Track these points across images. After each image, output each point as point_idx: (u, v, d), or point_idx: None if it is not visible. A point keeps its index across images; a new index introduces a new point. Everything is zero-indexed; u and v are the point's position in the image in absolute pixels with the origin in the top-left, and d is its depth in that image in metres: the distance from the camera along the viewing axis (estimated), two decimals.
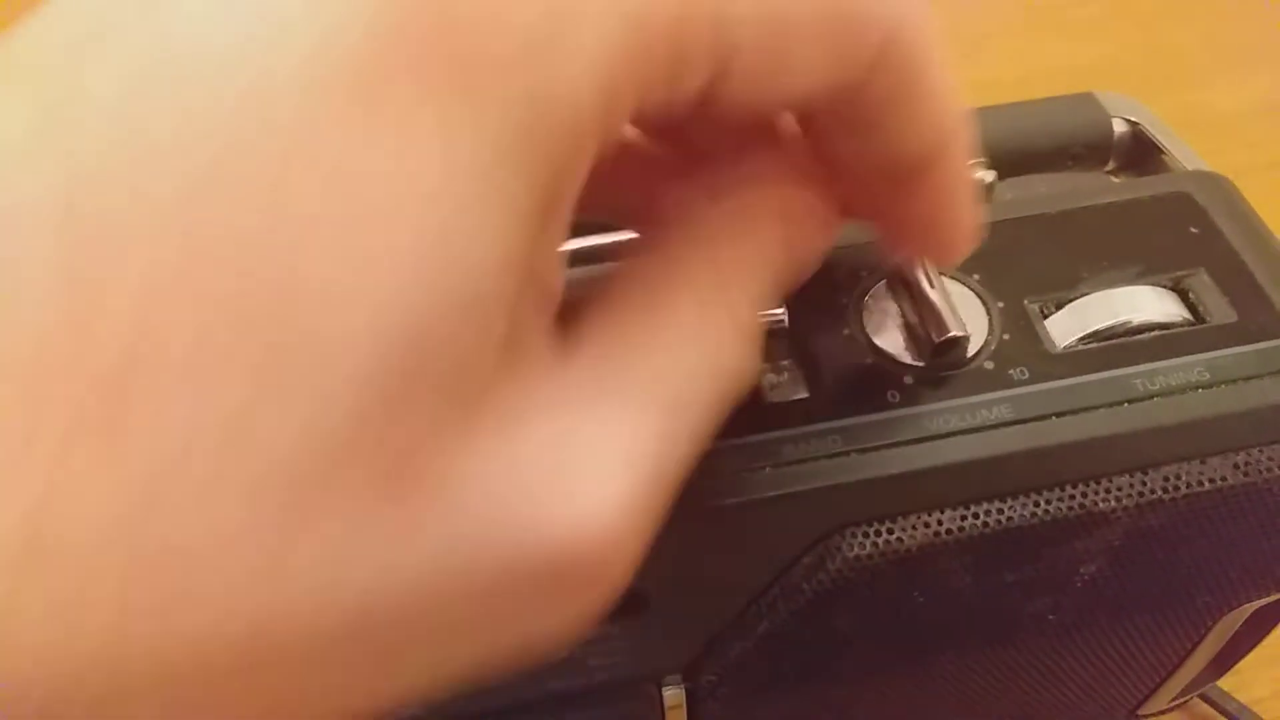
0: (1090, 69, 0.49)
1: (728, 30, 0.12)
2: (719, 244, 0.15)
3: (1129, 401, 0.19)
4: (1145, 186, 0.22)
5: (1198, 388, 0.19)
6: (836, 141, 0.15)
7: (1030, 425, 0.18)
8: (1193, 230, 0.21)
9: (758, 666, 0.20)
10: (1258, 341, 0.19)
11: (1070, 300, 0.20)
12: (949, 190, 0.16)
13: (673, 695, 0.20)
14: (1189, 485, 0.18)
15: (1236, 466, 0.19)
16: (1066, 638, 0.22)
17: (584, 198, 0.13)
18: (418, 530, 0.10)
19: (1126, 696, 0.26)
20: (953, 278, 0.20)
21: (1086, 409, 0.18)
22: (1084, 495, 0.18)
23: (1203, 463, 0.19)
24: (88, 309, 0.09)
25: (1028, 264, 0.21)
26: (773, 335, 0.19)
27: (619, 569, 0.12)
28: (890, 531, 0.18)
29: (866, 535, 0.18)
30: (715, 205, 0.15)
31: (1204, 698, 0.30)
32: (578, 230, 0.17)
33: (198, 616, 0.09)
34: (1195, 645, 0.24)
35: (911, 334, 0.20)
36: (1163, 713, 0.29)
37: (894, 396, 0.19)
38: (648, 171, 0.17)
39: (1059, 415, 0.18)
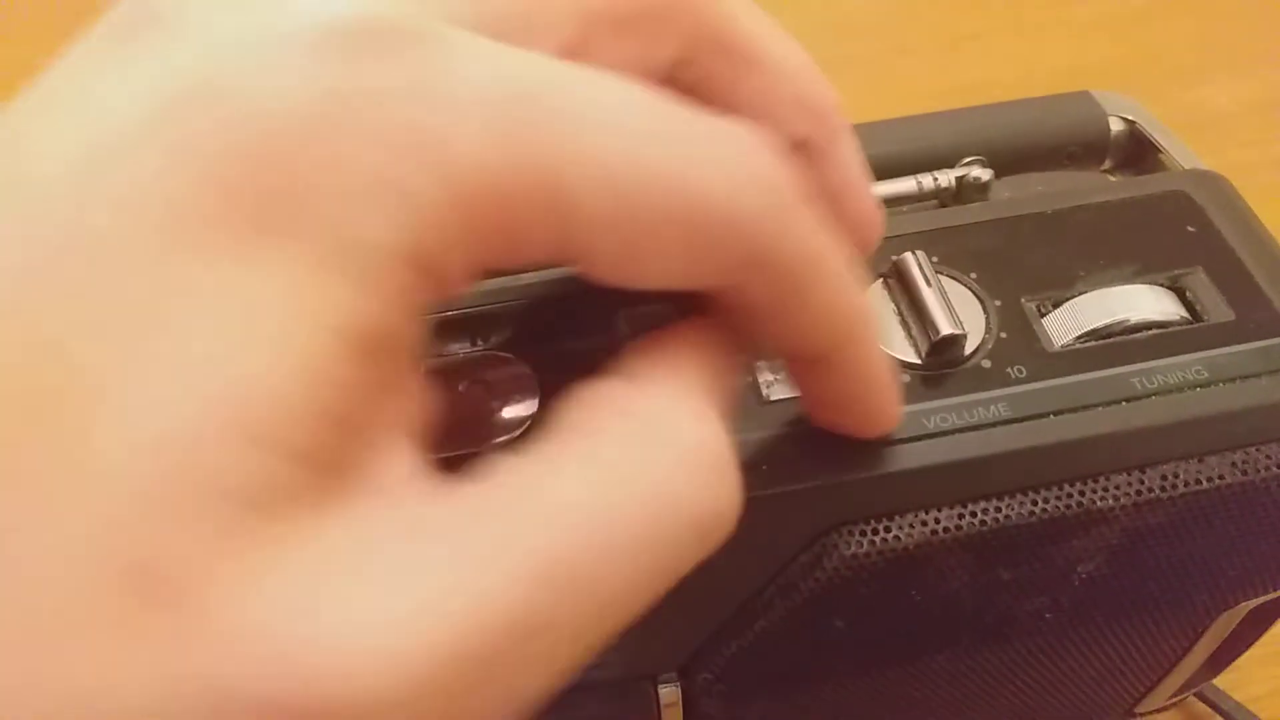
0: (1086, 68, 0.49)
1: (570, 217, 0.12)
2: (670, 365, 0.14)
3: (1126, 400, 0.19)
4: (1142, 185, 0.22)
5: (1195, 386, 0.19)
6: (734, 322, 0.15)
7: (1027, 424, 0.18)
8: (1190, 229, 0.21)
9: (754, 665, 0.20)
10: (1255, 340, 0.19)
11: (1067, 299, 0.20)
12: (856, 378, 0.16)
13: (669, 693, 0.20)
14: (1187, 484, 0.18)
15: (1234, 465, 0.19)
16: (1064, 636, 0.22)
17: None
18: (176, 652, 0.09)
19: (1124, 694, 0.26)
20: (950, 276, 0.20)
21: (1084, 407, 0.18)
22: (1081, 494, 0.18)
23: (1200, 461, 0.19)
24: None
25: (1025, 263, 0.21)
26: None
27: None
28: (887, 530, 0.18)
29: (863, 533, 0.18)
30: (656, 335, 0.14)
31: (1201, 696, 0.30)
32: None
33: None
34: (1192, 643, 0.24)
35: (909, 332, 0.19)
36: (1159, 710, 0.29)
37: None
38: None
39: (1056, 414, 0.18)
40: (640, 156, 0.12)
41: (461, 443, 0.17)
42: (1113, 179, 0.26)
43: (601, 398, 0.13)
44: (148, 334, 0.10)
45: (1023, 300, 0.20)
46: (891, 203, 0.24)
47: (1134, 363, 0.19)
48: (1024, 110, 0.26)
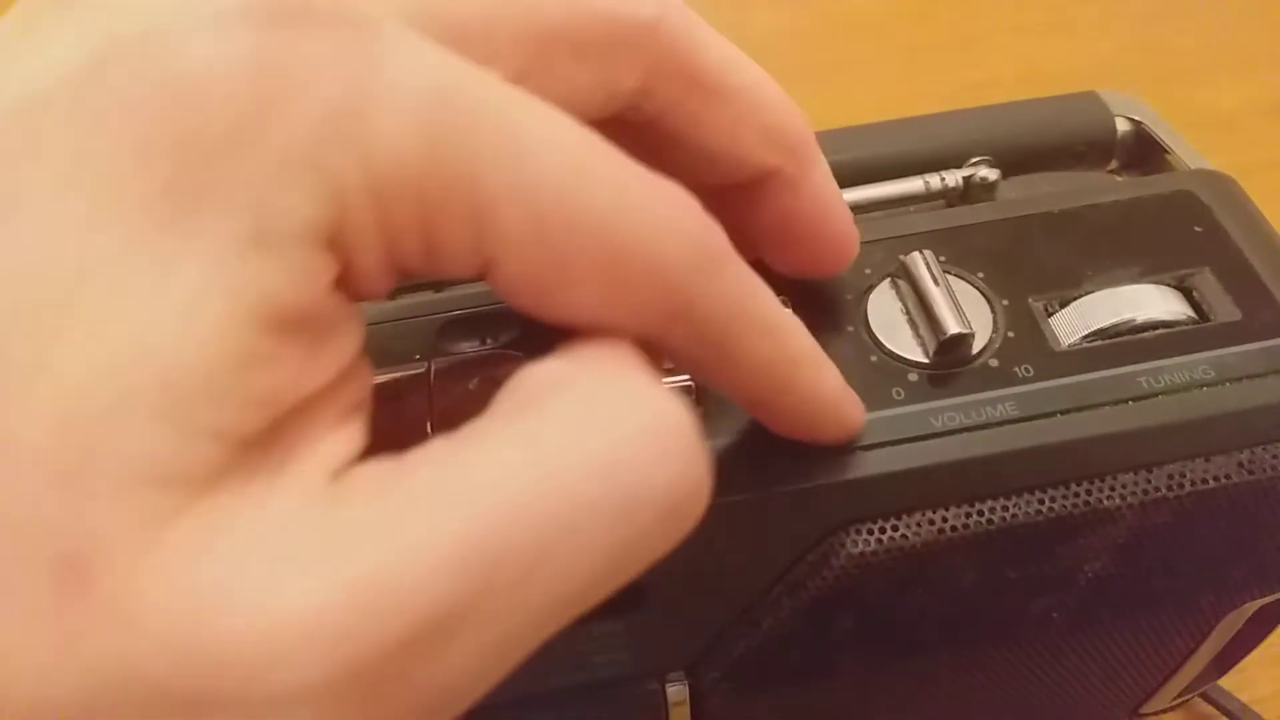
0: (1093, 68, 0.49)
1: (486, 227, 0.12)
2: (617, 343, 0.13)
3: (1133, 399, 0.19)
4: (1149, 185, 0.22)
5: (1202, 386, 0.19)
6: None
7: (1035, 423, 0.18)
8: (1196, 229, 0.21)
9: (761, 663, 0.20)
10: (1262, 340, 0.19)
11: (1074, 298, 0.20)
12: (800, 416, 0.16)
13: (676, 692, 0.20)
14: (1193, 483, 0.19)
15: (1241, 464, 0.19)
16: (1070, 635, 0.22)
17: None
18: (84, 634, 0.09)
19: (1129, 695, 0.26)
20: (957, 276, 0.20)
21: (1091, 407, 0.18)
22: (1088, 493, 0.18)
23: (1207, 460, 0.19)
24: None
25: (1032, 262, 0.21)
26: None
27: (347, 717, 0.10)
28: (894, 529, 0.18)
29: (871, 532, 0.18)
30: None
31: (1206, 697, 0.30)
32: None
33: None
34: (1198, 643, 0.24)
35: (916, 331, 0.20)
36: (1164, 711, 0.29)
37: (898, 394, 0.19)
38: None
39: (1063, 413, 0.18)
40: (567, 185, 0.12)
41: None
42: (1119, 179, 0.26)
43: (541, 375, 0.12)
44: (58, 307, 0.10)
45: (1030, 300, 0.20)
46: (899, 202, 0.24)
47: (1141, 362, 0.19)
48: (1030, 110, 0.26)
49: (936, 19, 0.53)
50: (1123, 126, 0.26)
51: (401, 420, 0.17)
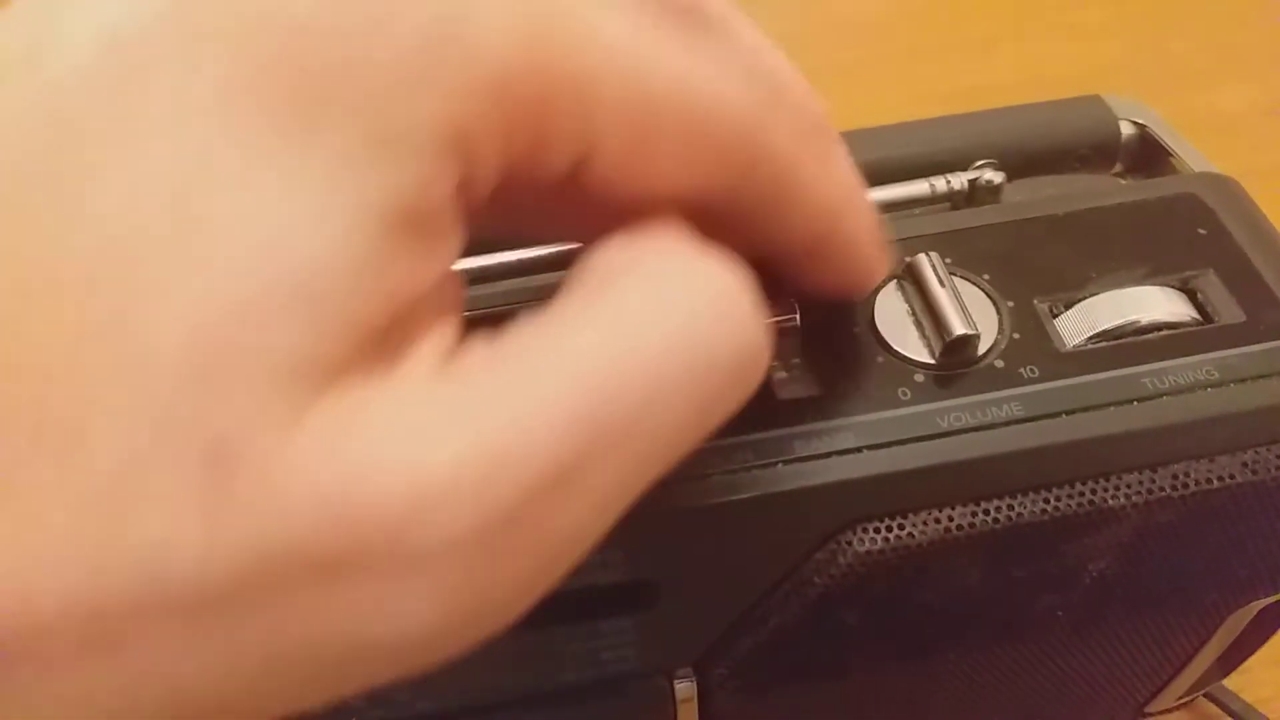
0: (1097, 72, 0.49)
1: (592, 112, 0.12)
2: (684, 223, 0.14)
3: (1138, 400, 0.19)
4: (1153, 188, 0.22)
5: (1206, 387, 0.19)
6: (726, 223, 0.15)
7: (1040, 423, 0.19)
8: (1200, 231, 0.21)
9: (769, 660, 0.20)
10: (1266, 341, 0.19)
11: (1079, 300, 0.20)
12: (847, 253, 0.16)
13: (684, 688, 0.20)
14: (1198, 483, 0.19)
15: (1245, 465, 0.19)
16: (1075, 635, 0.22)
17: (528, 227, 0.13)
18: (236, 515, 0.10)
19: (1134, 694, 0.26)
20: (963, 277, 0.20)
21: (1096, 407, 0.19)
22: (1093, 492, 0.19)
23: (1211, 461, 0.19)
24: None
25: (1037, 264, 0.21)
26: (784, 333, 0.19)
27: (474, 572, 0.11)
28: (901, 527, 0.18)
29: (878, 531, 0.18)
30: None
31: (1210, 696, 0.30)
32: None
33: (39, 605, 0.10)
34: (1202, 643, 0.24)
35: (922, 332, 0.20)
36: (1169, 711, 0.29)
37: (905, 394, 0.19)
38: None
39: (1068, 413, 0.19)
40: (653, 57, 0.13)
41: None
42: (1124, 182, 0.26)
43: (609, 258, 0.13)
44: (190, 213, 0.10)
45: (1035, 301, 0.20)
46: (904, 205, 0.24)
47: (1145, 363, 0.19)
48: (1035, 114, 0.26)
49: (940, 23, 0.53)
50: (1127, 130, 0.26)
51: None
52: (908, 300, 0.20)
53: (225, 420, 0.10)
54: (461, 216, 0.12)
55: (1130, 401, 0.19)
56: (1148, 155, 0.26)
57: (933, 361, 0.19)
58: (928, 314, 0.20)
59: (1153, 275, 0.21)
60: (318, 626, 0.11)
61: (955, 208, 0.24)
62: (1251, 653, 0.26)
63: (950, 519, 0.18)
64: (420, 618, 0.11)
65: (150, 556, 0.10)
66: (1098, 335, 0.20)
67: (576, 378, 0.11)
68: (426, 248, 0.12)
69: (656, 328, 0.12)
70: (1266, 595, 0.23)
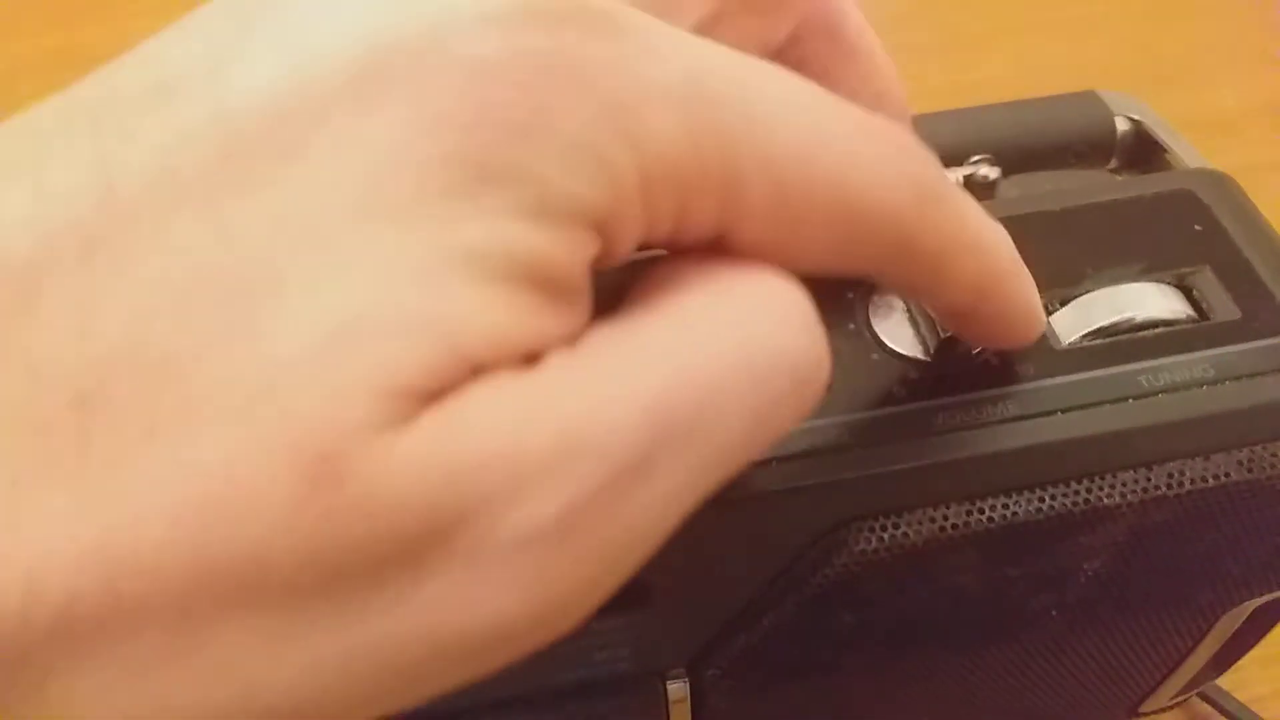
0: (1093, 67, 0.49)
1: (736, 201, 0.13)
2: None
3: (1133, 398, 0.19)
4: (1148, 184, 0.22)
5: (1202, 384, 0.19)
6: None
7: (1035, 421, 0.18)
8: (1196, 228, 0.21)
9: (762, 660, 0.20)
10: (1261, 338, 0.19)
11: (1074, 297, 0.20)
12: (1000, 316, 0.16)
13: (677, 689, 0.20)
14: (1193, 481, 0.19)
15: (1241, 463, 0.19)
16: (1069, 633, 0.22)
17: None
18: (337, 522, 0.11)
19: (1128, 693, 0.26)
20: None
21: (1091, 405, 0.19)
22: (1088, 491, 0.18)
23: (1207, 459, 0.19)
24: (83, 328, 0.11)
25: (1032, 261, 0.20)
26: None
27: (553, 562, 0.12)
28: (896, 526, 0.18)
29: (872, 530, 0.18)
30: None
31: (1204, 696, 0.30)
32: None
33: (131, 600, 0.10)
34: (1197, 642, 0.24)
35: (917, 330, 0.20)
36: (1163, 710, 0.29)
37: (899, 392, 0.19)
38: None
39: (1063, 411, 0.18)
40: (805, 149, 0.13)
41: None
42: (1119, 178, 0.26)
43: (681, 268, 0.14)
44: (335, 242, 0.11)
45: None
46: None
47: (1141, 360, 0.19)
48: (1030, 110, 0.26)
49: (936, 18, 0.53)
50: (1122, 126, 0.26)
51: None
52: (902, 297, 0.20)
53: (338, 432, 0.11)
54: (589, 282, 0.13)
55: (1125, 399, 0.19)
56: (1143, 151, 0.26)
57: (927, 359, 0.19)
58: (922, 311, 0.20)
59: (1148, 272, 0.20)
60: (401, 620, 0.11)
61: None
62: (1246, 652, 0.26)
63: (944, 518, 0.18)
64: (501, 609, 0.11)
65: (248, 557, 0.10)
66: (1093, 332, 0.20)
67: (648, 375, 0.12)
68: (558, 310, 0.12)
69: (724, 334, 0.13)
70: (1261, 594, 0.23)
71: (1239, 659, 0.26)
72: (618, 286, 0.14)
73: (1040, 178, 0.25)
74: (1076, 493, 0.18)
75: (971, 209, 0.15)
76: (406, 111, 0.11)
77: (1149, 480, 0.19)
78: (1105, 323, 0.20)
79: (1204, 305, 0.20)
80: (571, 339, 0.13)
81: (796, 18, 0.16)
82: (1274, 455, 0.19)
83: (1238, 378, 0.19)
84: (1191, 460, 0.19)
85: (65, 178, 0.11)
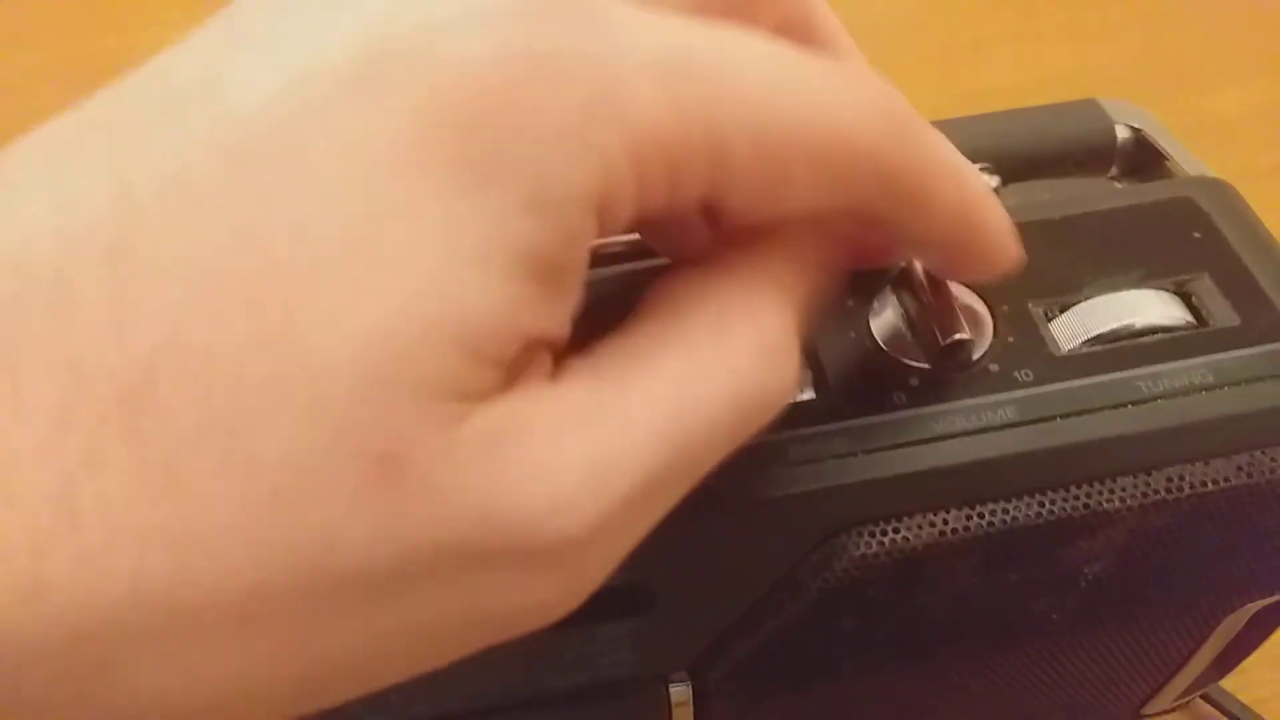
0: (1093, 75, 0.49)
1: (724, 161, 0.13)
2: (750, 259, 0.15)
3: (1133, 403, 0.19)
4: (1148, 192, 0.22)
5: (1201, 390, 0.19)
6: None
7: (1034, 426, 0.19)
8: (1195, 235, 0.21)
9: (764, 664, 0.20)
10: (1260, 344, 0.19)
11: (1074, 304, 0.20)
12: (978, 249, 0.17)
13: (679, 693, 0.20)
14: (1192, 486, 0.19)
15: (1240, 468, 0.19)
16: (1070, 637, 0.22)
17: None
18: (401, 513, 0.12)
19: (1130, 696, 0.26)
20: (958, 281, 0.20)
21: (1090, 410, 0.19)
22: (1088, 496, 0.19)
23: (1206, 464, 0.19)
24: (120, 328, 0.11)
25: (1032, 268, 0.21)
26: None
27: (583, 562, 0.13)
28: (896, 531, 0.18)
29: (873, 535, 0.18)
30: (746, 230, 0.15)
31: (1207, 698, 0.30)
32: None
33: (201, 577, 0.11)
34: (1198, 645, 0.24)
35: (917, 336, 0.20)
36: (1166, 712, 0.29)
37: (900, 398, 0.19)
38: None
39: (1063, 417, 0.19)
40: (780, 101, 0.14)
41: None
42: (1119, 186, 0.26)
43: (686, 286, 0.15)
44: (356, 245, 0.11)
45: (1030, 305, 0.20)
46: None
47: (1140, 367, 0.19)
48: (1031, 117, 0.26)
49: (937, 27, 0.53)
50: (1123, 134, 0.26)
51: None
52: (903, 304, 0.20)
53: (394, 430, 0.11)
54: (587, 264, 0.14)
55: (1125, 405, 0.19)
56: (1143, 159, 0.26)
57: (927, 366, 0.19)
58: (922, 318, 0.20)
59: (1148, 279, 0.21)
60: (457, 606, 0.13)
61: None
62: (1248, 654, 0.26)
63: (945, 523, 0.18)
64: (542, 598, 0.13)
65: (316, 542, 0.11)
66: (1093, 339, 0.20)
67: (659, 403, 0.13)
68: (559, 295, 0.13)
69: (721, 376, 0.14)
70: (1262, 597, 0.23)
71: (1241, 661, 0.26)
72: (623, 292, 0.15)
73: (1041, 185, 0.25)
74: (1076, 498, 0.19)
75: (944, 141, 0.16)
76: (402, 116, 0.12)
77: (1148, 485, 0.19)
78: (1105, 329, 0.20)
79: (1203, 312, 0.20)
80: (572, 319, 0.14)
81: (775, 18, 0.16)
82: (1273, 460, 0.19)
83: (1237, 383, 0.19)
84: (1191, 465, 0.19)
85: (84, 188, 0.12)
